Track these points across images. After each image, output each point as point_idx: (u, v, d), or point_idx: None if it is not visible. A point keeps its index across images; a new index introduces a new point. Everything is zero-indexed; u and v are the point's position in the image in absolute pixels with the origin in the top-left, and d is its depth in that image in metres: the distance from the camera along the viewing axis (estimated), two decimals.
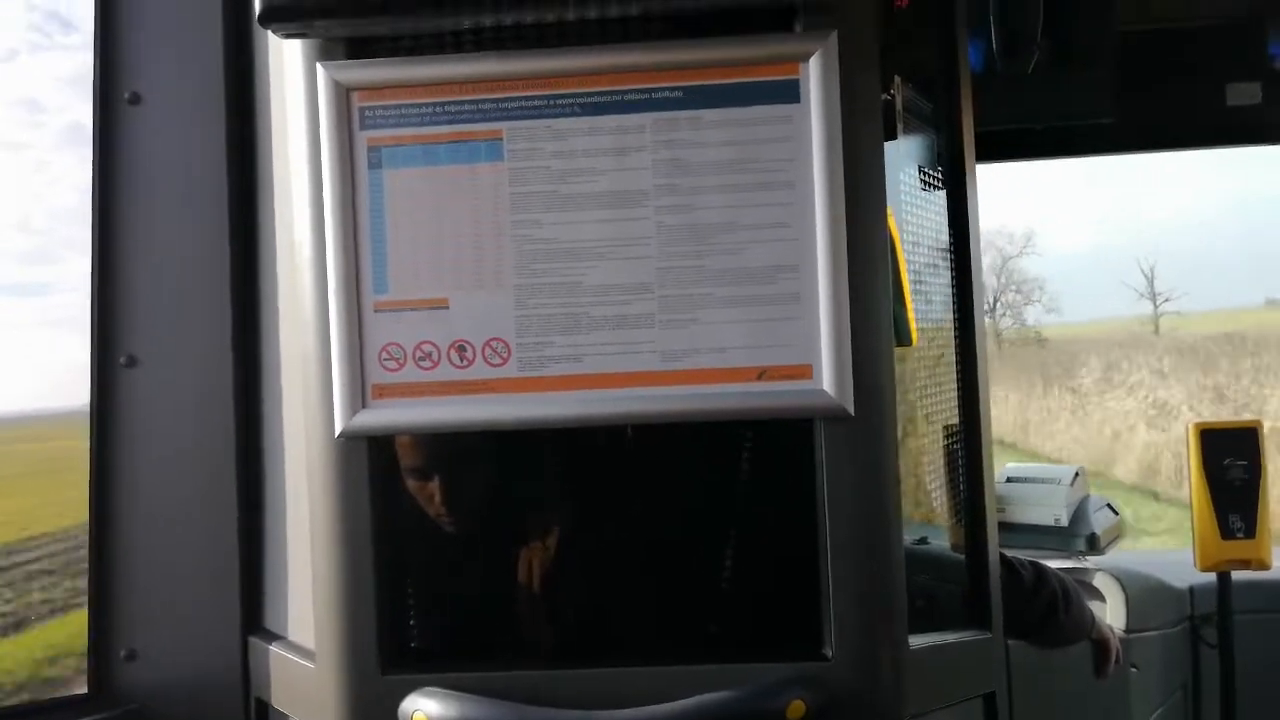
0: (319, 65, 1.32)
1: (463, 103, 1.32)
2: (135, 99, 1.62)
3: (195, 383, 1.60)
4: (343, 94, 1.32)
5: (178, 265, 1.61)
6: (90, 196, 1.61)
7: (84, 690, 1.64)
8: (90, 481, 1.62)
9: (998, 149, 2.53)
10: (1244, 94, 2.43)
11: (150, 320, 1.62)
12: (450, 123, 1.32)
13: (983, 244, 1.62)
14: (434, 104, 1.32)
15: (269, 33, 1.32)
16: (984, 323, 1.60)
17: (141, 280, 1.62)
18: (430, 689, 1.33)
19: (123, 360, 1.61)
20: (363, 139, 1.33)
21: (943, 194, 1.62)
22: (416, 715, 1.32)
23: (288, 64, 1.36)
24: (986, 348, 1.60)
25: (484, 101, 1.31)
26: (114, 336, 1.62)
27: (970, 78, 1.61)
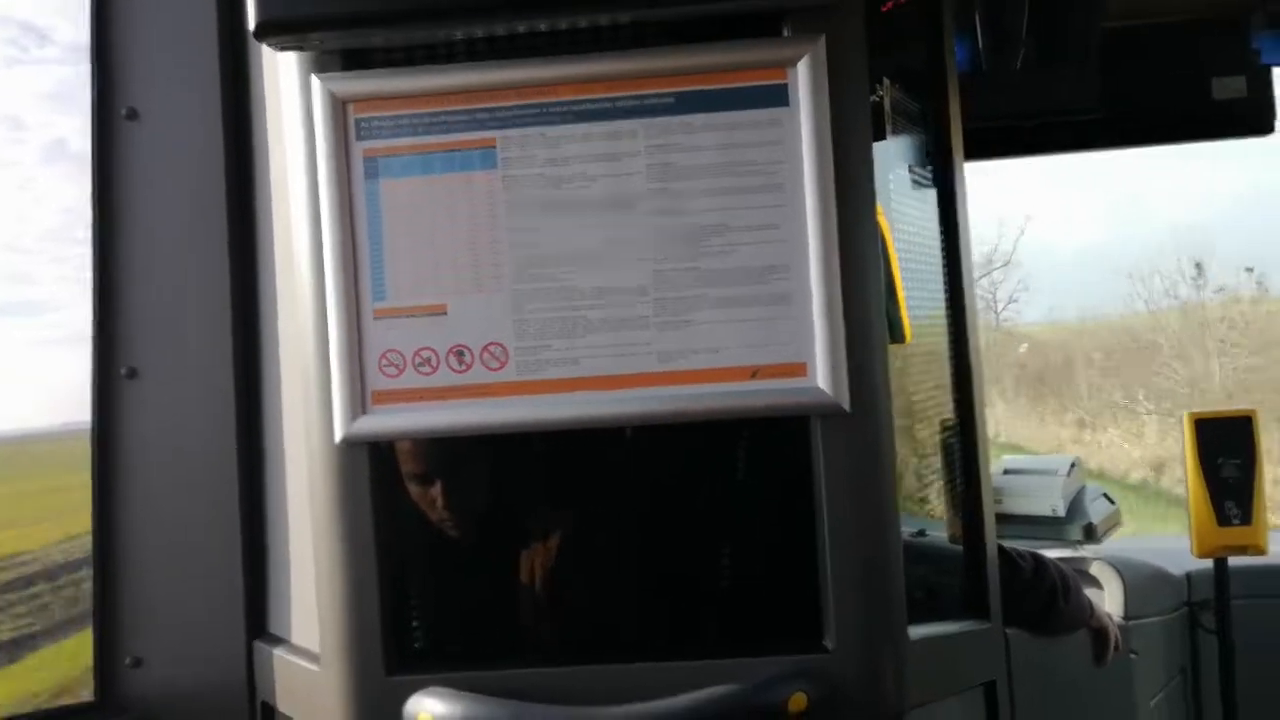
0: (314, 77, 1.33)
1: (457, 112, 1.33)
2: (133, 114, 1.63)
3: (196, 392, 1.62)
4: (339, 105, 1.33)
5: (178, 276, 1.62)
6: (89, 211, 1.63)
7: None
8: (93, 491, 1.63)
9: (986, 146, 2.54)
10: (1229, 88, 2.44)
11: (151, 332, 1.63)
12: (445, 132, 1.33)
13: None
14: (429, 114, 1.33)
15: (265, 46, 1.34)
16: (976, 316, 1.62)
17: (142, 292, 1.63)
18: (434, 689, 1.34)
19: (124, 371, 1.63)
20: (359, 150, 1.34)
21: (933, 191, 1.64)
22: (421, 715, 1.33)
23: (284, 76, 1.38)
24: (980, 341, 1.62)
25: (478, 111, 1.33)
26: (115, 348, 1.63)
27: (957, 76, 1.62)
